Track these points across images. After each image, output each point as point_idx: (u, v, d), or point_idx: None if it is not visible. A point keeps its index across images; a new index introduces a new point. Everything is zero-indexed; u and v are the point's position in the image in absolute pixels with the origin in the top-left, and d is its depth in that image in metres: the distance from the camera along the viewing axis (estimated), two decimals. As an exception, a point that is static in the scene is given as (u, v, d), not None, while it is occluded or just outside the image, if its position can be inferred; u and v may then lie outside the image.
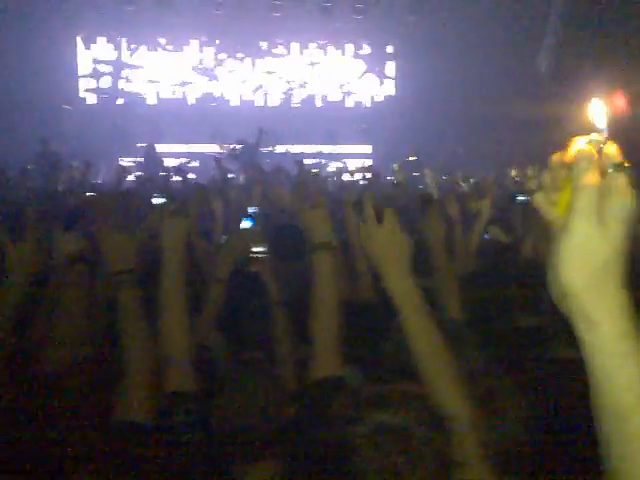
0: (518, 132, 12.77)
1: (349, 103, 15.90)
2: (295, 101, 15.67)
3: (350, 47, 15.71)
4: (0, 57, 13.03)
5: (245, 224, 3.40)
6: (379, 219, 1.90)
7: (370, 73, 15.87)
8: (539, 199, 0.93)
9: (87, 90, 15.15)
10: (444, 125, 13.56)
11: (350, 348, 2.73)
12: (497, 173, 8.98)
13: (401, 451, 1.44)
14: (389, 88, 15.90)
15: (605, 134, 0.89)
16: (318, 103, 15.69)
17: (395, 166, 7.95)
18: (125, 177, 7.64)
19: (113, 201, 4.44)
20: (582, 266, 0.86)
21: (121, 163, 10.79)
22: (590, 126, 0.90)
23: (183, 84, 15.40)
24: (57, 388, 2.18)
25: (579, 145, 0.88)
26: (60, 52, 14.37)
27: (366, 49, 15.75)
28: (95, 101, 15.19)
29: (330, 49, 15.68)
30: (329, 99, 15.79)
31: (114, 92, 15.23)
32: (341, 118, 15.22)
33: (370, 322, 3.28)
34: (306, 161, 11.04)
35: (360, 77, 15.86)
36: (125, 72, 15.23)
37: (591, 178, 0.85)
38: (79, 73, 15.09)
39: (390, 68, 15.83)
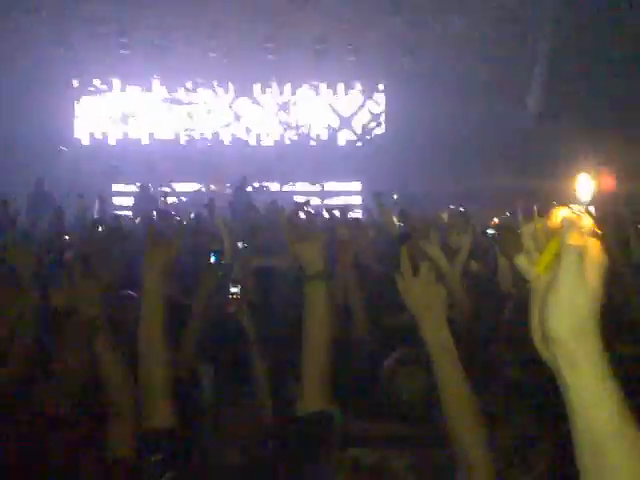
0: (507, 169, 12.90)
1: (340, 141, 16.07)
2: (287, 140, 15.86)
3: (341, 86, 15.95)
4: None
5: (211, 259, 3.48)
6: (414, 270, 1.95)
7: (361, 111, 16.08)
8: (521, 260, 1.04)
9: (82, 131, 15.31)
10: (434, 162, 13.68)
11: (339, 386, 2.73)
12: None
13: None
14: (380, 126, 16.09)
15: (585, 207, 1.02)
16: (310, 142, 15.87)
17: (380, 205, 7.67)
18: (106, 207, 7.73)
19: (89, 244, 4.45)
20: (568, 316, 0.97)
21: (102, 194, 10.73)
22: (574, 198, 1.03)
23: (176, 124, 15.59)
24: (51, 429, 2.20)
25: (563, 213, 1.00)
26: (56, 94, 14.54)
27: (357, 88, 16.00)
28: (89, 142, 15.34)
29: (322, 88, 15.91)
30: (321, 137, 15.97)
31: (108, 133, 15.40)
32: (332, 156, 15.35)
33: (360, 361, 3.30)
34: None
35: (351, 115, 16.07)
36: (119, 113, 15.41)
37: (576, 240, 0.97)
38: (75, 115, 15.27)
39: (381, 106, 16.04)
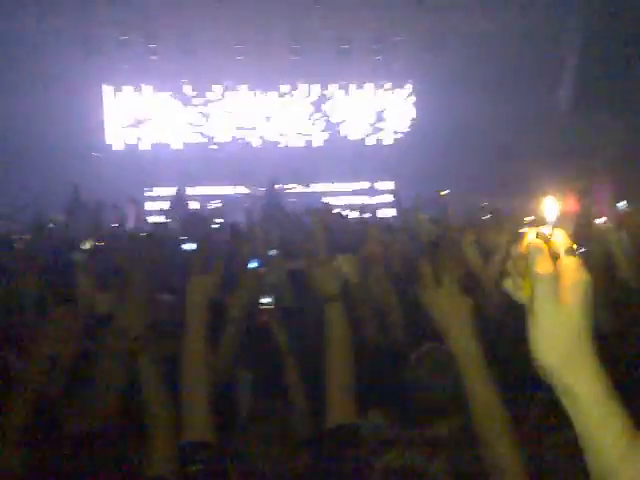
0: (539, 165, 12.74)
1: (370, 141, 16.03)
2: (317, 141, 15.88)
3: (370, 86, 15.91)
4: (27, 105, 13.45)
5: (252, 265, 3.50)
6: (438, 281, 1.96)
7: (390, 110, 16.03)
8: (508, 284, 1.01)
9: (113, 137, 15.53)
10: (465, 162, 13.55)
11: (371, 392, 2.74)
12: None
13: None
14: (409, 124, 16.01)
15: (553, 225, 0.97)
16: (340, 142, 15.86)
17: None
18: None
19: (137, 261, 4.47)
20: (552, 343, 0.94)
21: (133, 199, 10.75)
22: (540, 219, 0.98)
23: (207, 128, 15.72)
24: (88, 446, 2.23)
25: (529, 238, 0.96)
26: (87, 100, 14.75)
27: (386, 87, 15.94)
28: (121, 147, 15.55)
29: (350, 88, 15.89)
30: (350, 138, 15.95)
31: (140, 138, 15.60)
32: (363, 156, 15.32)
33: (394, 361, 3.30)
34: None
35: (380, 115, 16.02)
36: (150, 118, 15.60)
37: (543, 266, 0.93)
38: (105, 120, 15.49)
39: (410, 105, 15.97)
